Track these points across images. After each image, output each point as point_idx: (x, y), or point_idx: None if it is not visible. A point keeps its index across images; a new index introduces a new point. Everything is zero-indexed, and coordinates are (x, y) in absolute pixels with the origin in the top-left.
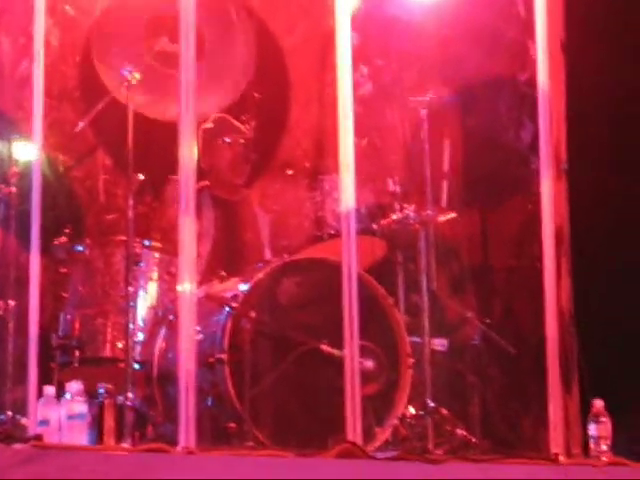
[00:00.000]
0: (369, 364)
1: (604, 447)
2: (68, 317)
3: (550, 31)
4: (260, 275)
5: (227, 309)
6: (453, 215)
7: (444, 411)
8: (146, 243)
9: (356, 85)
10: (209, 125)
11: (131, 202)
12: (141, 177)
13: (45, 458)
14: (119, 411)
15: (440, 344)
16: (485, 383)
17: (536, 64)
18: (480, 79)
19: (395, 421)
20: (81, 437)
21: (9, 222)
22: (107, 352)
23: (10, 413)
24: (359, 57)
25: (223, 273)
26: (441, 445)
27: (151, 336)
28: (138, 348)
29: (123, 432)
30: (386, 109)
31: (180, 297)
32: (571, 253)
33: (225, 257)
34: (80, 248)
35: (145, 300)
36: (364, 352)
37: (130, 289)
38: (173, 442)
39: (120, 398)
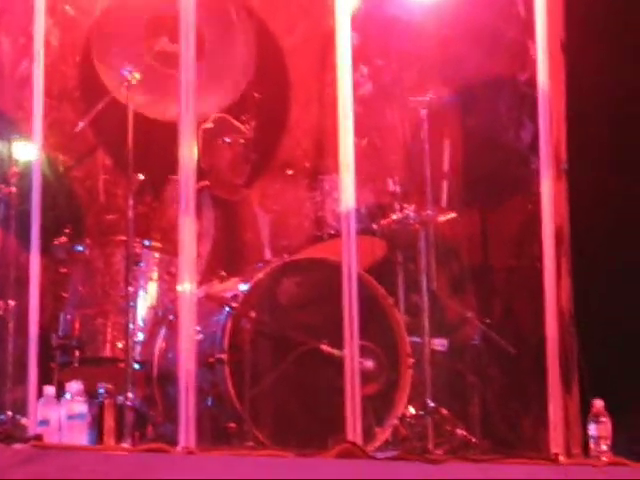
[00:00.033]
0: (369, 364)
1: (604, 447)
2: (68, 317)
3: (550, 31)
4: (260, 275)
5: (227, 309)
6: (453, 215)
7: (444, 411)
8: (146, 243)
9: (356, 85)
10: (209, 125)
11: (131, 202)
12: (141, 177)
13: (45, 458)
14: (119, 411)
15: (440, 344)
16: (485, 383)
17: (536, 64)
18: (480, 79)
19: (395, 421)
20: (81, 437)
21: (9, 222)
22: (107, 352)
23: (10, 413)
24: (359, 57)
25: (223, 273)
26: (441, 445)
27: (151, 336)
28: (138, 348)
29: (123, 432)
30: (386, 109)
31: (180, 297)
32: (571, 253)
33: (225, 257)
34: (80, 248)
35: (145, 300)
36: (364, 352)
37: (130, 289)
38: (173, 442)
39: (120, 398)
